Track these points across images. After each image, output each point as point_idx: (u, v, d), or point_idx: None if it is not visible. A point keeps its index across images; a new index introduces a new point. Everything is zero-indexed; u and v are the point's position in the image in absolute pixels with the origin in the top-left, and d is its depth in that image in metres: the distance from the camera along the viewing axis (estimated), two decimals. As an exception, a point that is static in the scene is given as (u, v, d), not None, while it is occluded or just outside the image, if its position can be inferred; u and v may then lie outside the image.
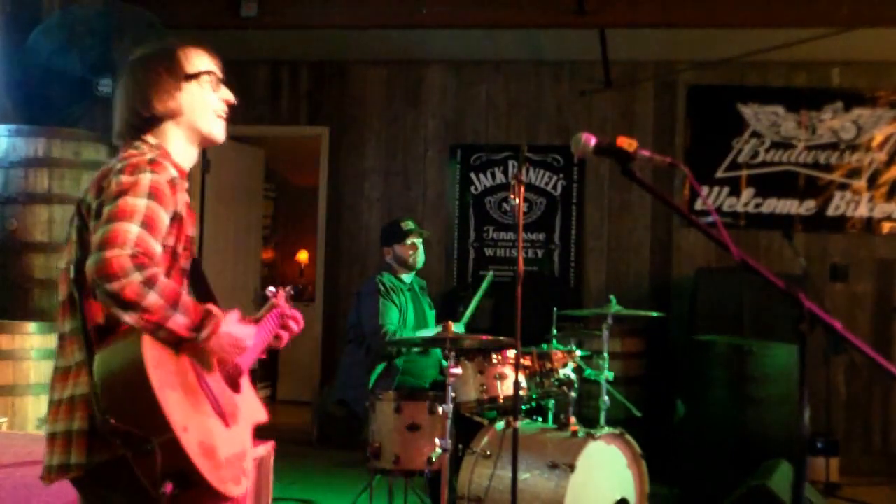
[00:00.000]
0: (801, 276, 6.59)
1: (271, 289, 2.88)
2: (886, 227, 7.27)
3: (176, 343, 2.22)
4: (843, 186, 7.32)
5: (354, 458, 6.44)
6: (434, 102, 7.93)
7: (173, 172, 2.38)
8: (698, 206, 7.44)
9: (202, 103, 2.56)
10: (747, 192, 7.40)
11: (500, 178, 7.79)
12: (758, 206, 7.40)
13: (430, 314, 5.52)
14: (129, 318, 2.13)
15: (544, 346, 4.89)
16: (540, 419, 4.94)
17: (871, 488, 6.61)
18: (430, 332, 5.10)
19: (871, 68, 7.32)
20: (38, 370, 4.97)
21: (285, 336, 2.80)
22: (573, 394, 4.64)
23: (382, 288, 5.24)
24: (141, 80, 2.49)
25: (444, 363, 4.23)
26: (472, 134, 7.89)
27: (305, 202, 9.56)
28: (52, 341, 5.12)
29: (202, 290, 2.59)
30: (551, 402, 4.86)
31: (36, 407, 4.94)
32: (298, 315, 2.84)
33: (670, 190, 7.49)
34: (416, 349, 5.19)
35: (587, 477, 4.27)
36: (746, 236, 7.32)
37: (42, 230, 5.29)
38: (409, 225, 5.42)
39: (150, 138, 2.48)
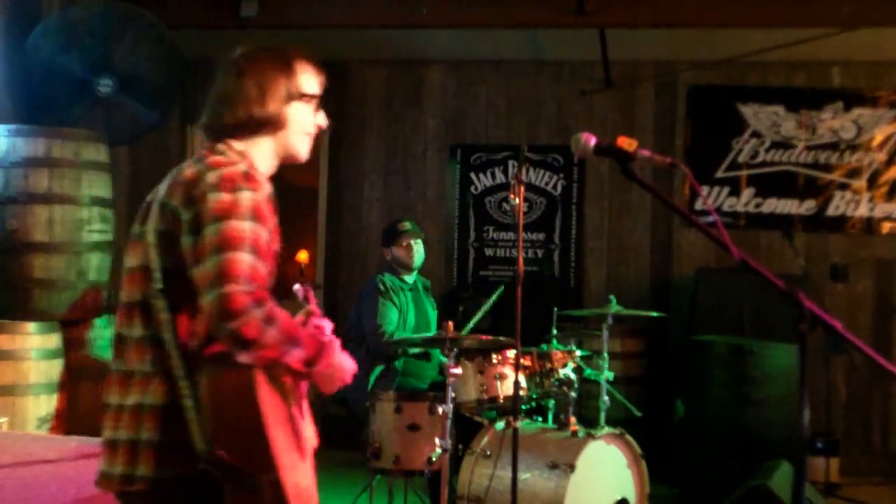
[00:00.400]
0: (801, 276, 6.59)
1: (298, 287, 2.77)
2: (886, 227, 7.27)
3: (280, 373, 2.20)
4: (844, 186, 7.31)
5: (354, 458, 6.43)
6: (434, 102, 7.93)
7: (267, 188, 2.34)
8: (698, 206, 7.44)
9: (302, 124, 2.51)
10: (747, 192, 7.40)
11: (500, 178, 7.79)
12: (758, 206, 7.39)
13: (433, 314, 5.53)
14: (245, 356, 2.10)
15: (544, 346, 4.89)
16: (540, 419, 4.94)
17: (871, 488, 6.62)
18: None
19: (872, 68, 7.31)
20: (38, 370, 4.98)
21: None
22: (573, 394, 4.64)
23: (382, 288, 5.24)
24: (258, 79, 2.42)
25: (444, 359, 4.24)
26: (471, 134, 7.89)
27: (305, 202, 9.55)
28: (52, 341, 5.12)
29: None
30: (551, 402, 4.87)
31: (36, 407, 4.95)
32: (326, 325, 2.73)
33: (670, 190, 7.49)
34: (415, 352, 5.19)
35: (587, 477, 4.27)
36: (746, 236, 7.32)
37: (42, 230, 5.28)
38: (405, 226, 5.43)
39: (235, 144, 2.40)
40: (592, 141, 2.35)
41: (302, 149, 2.53)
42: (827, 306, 6.97)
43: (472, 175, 7.83)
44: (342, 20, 6.80)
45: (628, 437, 4.55)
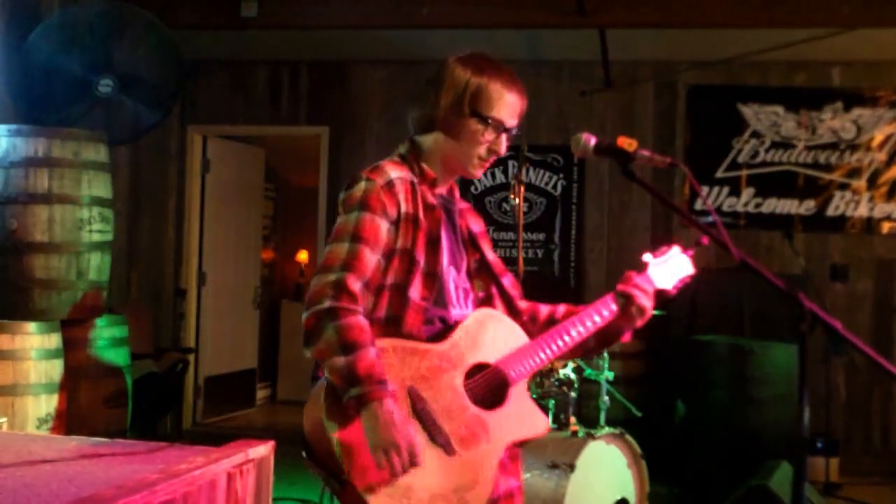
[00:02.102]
0: (801, 276, 6.59)
1: (646, 257, 2.64)
2: (886, 227, 7.26)
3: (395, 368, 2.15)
4: (843, 186, 7.31)
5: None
6: (434, 102, 7.92)
7: (393, 174, 2.32)
8: (698, 206, 7.44)
9: (473, 144, 2.39)
10: (747, 192, 7.39)
11: (499, 178, 7.79)
12: (758, 206, 7.39)
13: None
14: (307, 351, 2.13)
15: (544, 346, 4.88)
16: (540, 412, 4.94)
17: (871, 488, 6.61)
18: None
19: (872, 68, 7.31)
20: (38, 370, 4.97)
21: (634, 312, 2.54)
22: (573, 394, 4.63)
23: None
24: (448, 79, 2.40)
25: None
26: (471, 134, 7.87)
27: (305, 202, 9.55)
28: (52, 341, 5.11)
29: (509, 304, 2.51)
30: (551, 402, 4.86)
31: (36, 407, 4.94)
32: (646, 285, 2.56)
33: (670, 190, 7.48)
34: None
35: (587, 477, 4.27)
36: (746, 236, 7.31)
37: (42, 230, 5.28)
38: None
39: (419, 141, 2.45)
40: (592, 141, 2.35)
41: (469, 166, 2.43)
42: (827, 306, 6.96)
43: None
44: (342, 20, 6.80)
45: (628, 437, 4.55)
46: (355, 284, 2.15)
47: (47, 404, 5.01)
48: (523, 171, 6.80)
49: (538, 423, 2.43)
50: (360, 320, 2.13)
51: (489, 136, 2.39)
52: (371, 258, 2.20)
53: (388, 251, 2.26)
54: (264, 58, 8.10)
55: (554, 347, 2.43)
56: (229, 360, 8.73)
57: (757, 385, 5.74)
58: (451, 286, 2.40)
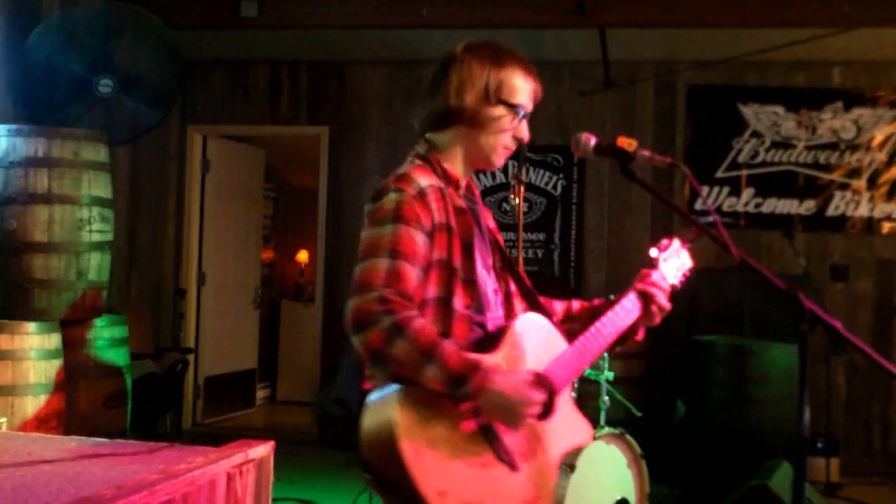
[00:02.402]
0: (801, 276, 6.58)
1: (654, 252, 2.58)
2: (886, 227, 7.26)
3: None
4: (844, 186, 7.30)
5: (354, 459, 6.43)
6: (434, 102, 7.91)
7: (423, 183, 2.23)
8: (698, 206, 7.43)
9: (499, 132, 2.34)
10: (747, 192, 7.39)
11: (499, 177, 7.78)
12: (758, 206, 7.38)
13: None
14: (378, 370, 2.03)
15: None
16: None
17: (872, 488, 6.61)
18: None
19: (872, 68, 7.30)
20: (38, 370, 4.97)
21: (655, 311, 2.46)
22: (573, 394, 4.63)
23: None
24: (463, 70, 2.31)
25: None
26: (471, 134, 7.86)
27: (305, 202, 9.54)
28: (51, 341, 5.11)
29: (531, 300, 2.44)
30: (551, 403, 4.85)
31: (35, 406, 4.94)
32: (662, 282, 2.49)
33: (670, 190, 7.48)
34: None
35: (587, 477, 4.25)
36: (746, 236, 7.31)
37: (42, 230, 5.28)
38: None
39: (434, 139, 2.36)
40: (592, 141, 2.35)
41: (495, 156, 2.37)
42: (827, 306, 6.96)
43: (473, 175, 7.82)
44: (342, 20, 6.80)
45: (628, 437, 4.54)
46: (401, 295, 2.06)
47: (47, 404, 5.00)
48: (523, 170, 6.79)
49: (585, 431, 2.40)
50: (421, 319, 2.06)
51: (514, 123, 2.35)
52: (412, 273, 2.11)
53: (425, 264, 2.18)
54: (264, 57, 8.09)
55: (593, 352, 2.38)
56: (229, 361, 8.72)
57: (757, 385, 5.74)
58: (488, 290, 2.35)
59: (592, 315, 2.46)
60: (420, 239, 2.14)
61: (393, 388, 2.05)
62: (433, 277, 2.19)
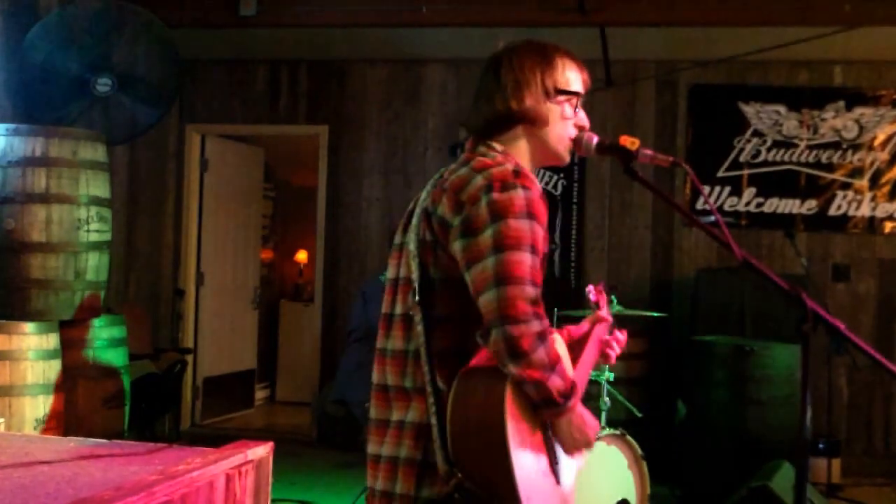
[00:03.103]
0: (802, 276, 6.57)
1: (591, 288, 2.70)
2: (888, 226, 7.24)
3: (537, 405, 2.08)
4: (846, 186, 7.29)
5: (354, 459, 6.42)
6: (434, 101, 7.91)
7: (539, 186, 2.19)
8: (699, 205, 7.41)
9: (563, 124, 2.32)
10: (749, 192, 7.37)
11: (500, 177, 7.76)
12: (759, 205, 7.37)
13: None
14: (512, 368, 2.00)
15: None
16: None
17: (873, 489, 6.60)
18: None
19: (874, 67, 7.29)
20: (36, 370, 4.95)
21: (612, 356, 2.68)
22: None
23: (366, 293, 5.22)
24: (515, 72, 2.28)
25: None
26: (472, 133, 7.85)
27: (304, 202, 9.53)
28: (49, 342, 5.09)
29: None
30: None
31: (33, 407, 4.92)
32: (621, 337, 2.69)
33: (671, 189, 7.46)
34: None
35: (588, 478, 4.24)
36: (748, 236, 7.30)
37: (40, 230, 5.26)
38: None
39: (496, 144, 2.29)
40: (594, 140, 2.34)
41: (562, 148, 2.34)
42: (828, 306, 6.94)
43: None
44: (342, 19, 6.79)
45: (629, 438, 4.53)
46: (542, 297, 2.08)
47: (45, 405, 4.98)
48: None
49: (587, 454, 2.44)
50: (554, 335, 2.12)
51: (574, 112, 2.34)
52: (541, 278, 2.10)
53: None
54: (263, 57, 8.08)
55: (585, 378, 2.49)
56: (228, 361, 8.70)
57: (758, 386, 5.72)
58: None
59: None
60: (545, 243, 2.15)
61: (498, 383, 2.04)
62: None
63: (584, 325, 2.66)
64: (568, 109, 2.32)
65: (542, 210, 2.13)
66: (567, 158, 2.37)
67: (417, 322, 2.14)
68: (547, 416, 2.11)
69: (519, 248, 2.05)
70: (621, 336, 2.68)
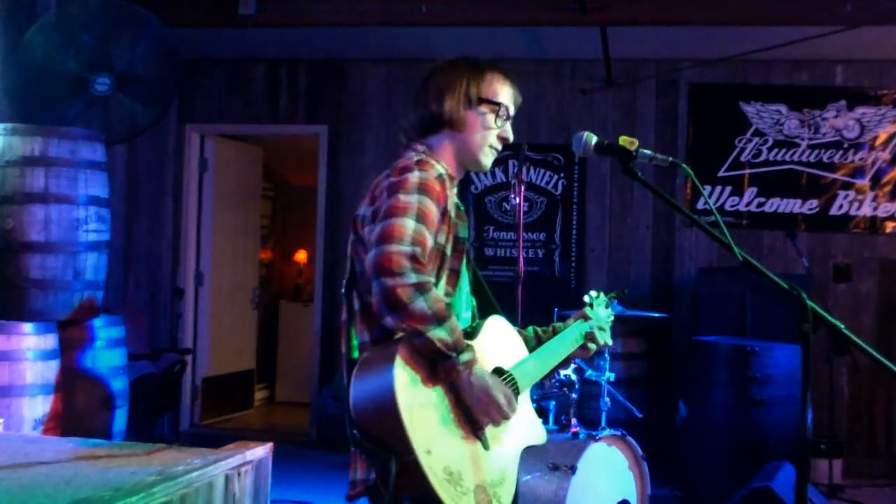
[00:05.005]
0: (803, 275, 6.56)
1: (589, 296, 2.89)
2: (890, 226, 7.23)
3: (432, 360, 2.22)
4: (847, 185, 7.28)
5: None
6: (434, 101, 7.88)
7: (441, 170, 2.40)
8: (700, 205, 7.41)
9: (484, 132, 2.52)
10: (750, 192, 7.36)
11: (500, 177, 7.76)
12: (760, 205, 7.36)
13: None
14: (391, 319, 2.16)
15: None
16: (541, 420, 4.91)
17: (875, 490, 6.59)
18: None
19: (875, 66, 7.28)
20: (35, 371, 4.94)
21: (591, 350, 2.80)
22: (574, 395, 4.60)
23: None
24: (440, 79, 2.52)
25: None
26: (471, 133, 7.83)
27: (304, 201, 9.53)
28: (48, 342, 5.08)
29: (483, 301, 2.63)
30: (552, 404, 4.83)
31: (32, 408, 4.91)
32: (606, 331, 2.83)
33: (672, 189, 7.45)
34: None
35: (588, 479, 4.24)
36: (749, 236, 7.29)
37: (38, 230, 5.25)
38: None
39: (419, 146, 2.50)
40: (594, 139, 2.34)
41: (482, 159, 2.55)
42: (830, 306, 6.94)
43: (472, 174, 7.79)
44: (342, 19, 6.77)
45: (629, 439, 4.52)
46: (424, 258, 2.21)
47: (43, 405, 4.97)
48: (524, 170, 6.77)
49: (539, 432, 2.59)
50: (439, 294, 2.23)
51: (498, 122, 2.52)
52: (429, 242, 2.25)
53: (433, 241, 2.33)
54: (262, 56, 8.07)
55: (550, 364, 2.67)
56: (227, 361, 8.69)
57: (759, 386, 5.71)
58: (464, 285, 2.56)
59: (538, 335, 2.75)
60: (436, 216, 2.29)
61: (391, 348, 2.19)
62: (430, 256, 2.32)
63: (571, 322, 2.81)
64: (491, 119, 2.51)
65: (434, 187, 2.31)
66: (486, 166, 2.58)
67: (344, 312, 2.37)
68: (443, 374, 2.23)
69: (403, 216, 2.21)
70: (602, 333, 2.81)
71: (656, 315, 5.31)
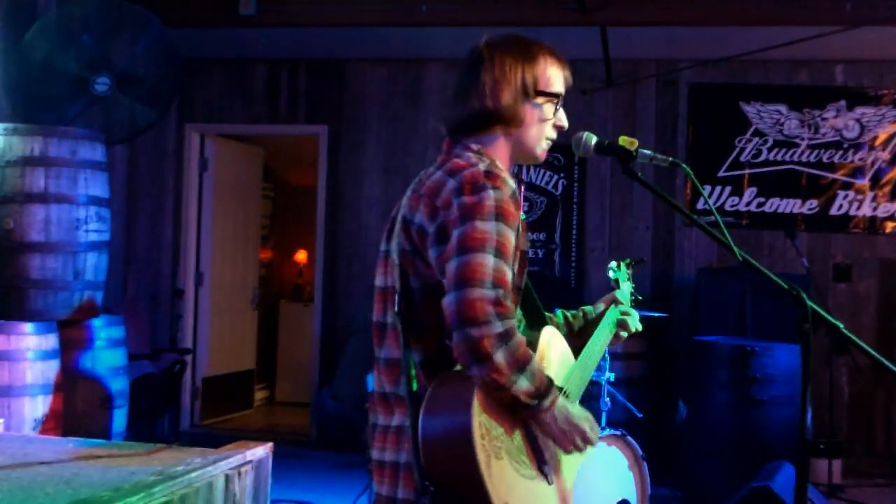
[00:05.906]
0: (803, 275, 6.56)
1: (612, 270, 2.75)
2: (890, 226, 7.23)
3: (511, 406, 2.06)
4: (847, 185, 7.28)
5: (354, 459, 6.41)
6: (434, 101, 7.89)
7: (512, 185, 2.16)
8: (700, 205, 7.41)
9: (541, 125, 2.30)
10: (749, 192, 7.36)
11: (500, 177, 7.75)
12: (760, 205, 7.36)
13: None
14: (476, 370, 1.99)
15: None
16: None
17: (874, 490, 6.58)
18: None
19: (875, 66, 7.28)
20: (35, 371, 4.94)
21: (622, 338, 2.62)
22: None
23: None
24: (495, 70, 2.25)
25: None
26: (471, 133, 7.83)
27: (304, 201, 9.52)
28: (49, 342, 5.08)
29: (531, 310, 2.43)
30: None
31: (32, 408, 4.91)
32: (633, 314, 2.62)
33: (672, 189, 7.45)
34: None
35: (588, 478, 4.23)
36: (749, 236, 7.29)
37: (38, 230, 5.25)
38: None
39: (472, 143, 2.27)
40: (594, 139, 2.34)
41: (539, 149, 2.33)
42: (829, 306, 6.93)
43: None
44: (342, 19, 6.77)
45: (629, 439, 4.52)
46: (506, 298, 2.04)
47: (44, 405, 4.98)
48: (524, 170, 6.77)
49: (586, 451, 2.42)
50: (521, 335, 2.07)
51: (554, 112, 2.31)
52: (509, 276, 2.07)
53: None
54: (262, 56, 8.07)
55: (591, 367, 2.50)
56: (227, 361, 8.69)
57: (759, 386, 5.70)
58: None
59: (581, 328, 2.58)
60: (513, 245, 2.11)
61: (466, 392, 2.02)
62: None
63: (601, 306, 2.64)
64: (547, 110, 2.30)
65: (511, 210, 2.10)
66: (542, 158, 2.37)
67: (401, 332, 2.14)
68: (524, 415, 2.10)
69: (481, 251, 2.02)
70: (631, 318, 2.61)
71: (656, 315, 5.30)
